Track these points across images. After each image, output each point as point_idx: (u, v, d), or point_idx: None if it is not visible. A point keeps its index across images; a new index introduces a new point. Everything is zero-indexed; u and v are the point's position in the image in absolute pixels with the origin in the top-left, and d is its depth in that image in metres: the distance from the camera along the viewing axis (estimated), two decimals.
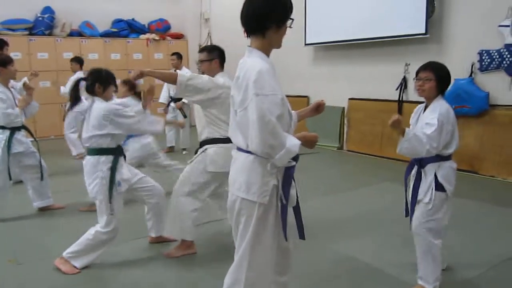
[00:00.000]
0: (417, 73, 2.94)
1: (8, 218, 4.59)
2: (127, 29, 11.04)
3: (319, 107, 2.58)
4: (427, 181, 2.89)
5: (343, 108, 7.96)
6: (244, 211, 2.16)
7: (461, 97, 6.02)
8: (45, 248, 3.85)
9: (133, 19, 11.19)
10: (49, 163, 5.08)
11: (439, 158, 2.87)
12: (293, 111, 2.37)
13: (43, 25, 9.85)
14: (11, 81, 4.80)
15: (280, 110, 2.01)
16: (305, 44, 8.47)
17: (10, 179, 4.54)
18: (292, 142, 2.04)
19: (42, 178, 4.71)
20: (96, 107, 3.34)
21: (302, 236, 2.34)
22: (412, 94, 6.78)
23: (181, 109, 7.71)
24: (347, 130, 8.03)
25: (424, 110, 2.96)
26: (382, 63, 7.36)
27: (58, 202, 4.96)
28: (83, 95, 3.63)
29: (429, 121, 2.80)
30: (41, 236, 4.17)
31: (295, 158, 2.13)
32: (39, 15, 9.92)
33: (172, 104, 7.87)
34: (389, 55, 7.22)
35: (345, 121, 8.03)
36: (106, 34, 10.69)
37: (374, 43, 7.37)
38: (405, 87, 6.89)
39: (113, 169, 3.32)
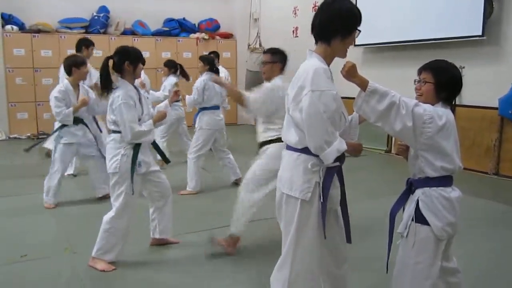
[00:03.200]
0: (418, 73, 2.38)
1: (66, 206, 4.86)
2: (178, 28, 11.25)
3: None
4: (409, 210, 2.31)
5: None
6: (288, 207, 2.24)
7: None
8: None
9: (184, 19, 11.38)
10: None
11: (428, 182, 2.24)
12: (355, 113, 2.45)
13: (99, 24, 10.18)
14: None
15: (335, 105, 2.10)
16: (355, 45, 8.33)
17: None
18: (341, 142, 2.12)
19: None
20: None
21: (348, 240, 2.36)
22: (466, 98, 6.53)
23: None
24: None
25: None
26: None
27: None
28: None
29: None
30: (97, 226, 4.30)
31: (340, 160, 2.18)
32: (95, 14, 10.27)
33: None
34: (443, 57, 6.92)
35: None
36: (157, 33, 10.94)
37: (426, 45, 7.14)
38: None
39: (136, 149, 3.34)
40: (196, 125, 5.45)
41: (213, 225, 4.23)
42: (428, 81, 2.28)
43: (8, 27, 9.36)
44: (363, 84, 2.18)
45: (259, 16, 11.40)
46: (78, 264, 3.48)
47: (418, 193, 2.27)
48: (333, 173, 2.20)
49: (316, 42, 2.27)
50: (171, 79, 6.78)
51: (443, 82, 2.27)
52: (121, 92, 3.31)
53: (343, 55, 2.27)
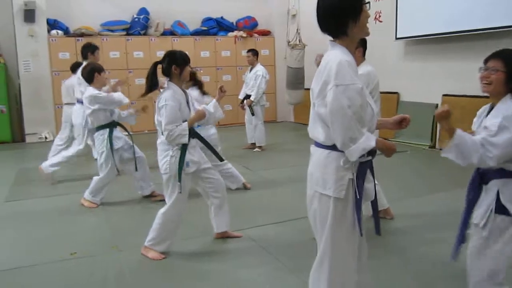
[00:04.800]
0: (485, 61, 2.34)
1: (112, 205, 5.00)
2: (216, 27, 11.33)
3: (404, 122, 2.35)
4: (487, 201, 2.30)
5: (436, 105, 7.55)
6: (321, 205, 2.18)
7: None
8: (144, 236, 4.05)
9: (221, 17, 11.45)
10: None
11: (505, 173, 2.24)
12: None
13: (139, 26, 10.38)
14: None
15: (361, 99, 2.01)
16: (396, 38, 8.15)
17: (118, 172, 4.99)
18: (368, 139, 2.03)
19: (136, 169, 5.06)
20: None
21: (378, 231, 2.31)
22: None
23: (250, 106, 7.76)
24: (440, 128, 7.62)
25: (489, 112, 2.35)
26: (480, 57, 6.85)
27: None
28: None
29: (488, 125, 2.22)
30: (141, 224, 4.40)
31: (371, 154, 2.13)
32: (135, 16, 10.47)
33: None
34: (487, 48, 6.63)
35: None
36: (196, 33, 11.04)
37: (471, 36, 6.89)
38: None
39: (183, 149, 3.49)
40: None
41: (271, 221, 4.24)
42: (500, 69, 2.23)
43: (54, 32, 9.69)
44: (449, 132, 2.18)
45: (297, 12, 11.32)
46: (125, 262, 3.56)
47: (497, 184, 2.26)
48: (366, 168, 2.15)
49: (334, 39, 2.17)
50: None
51: None
52: (167, 93, 3.46)
53: (366, 33, 2.15)
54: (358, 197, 2.11)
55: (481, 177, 2.34)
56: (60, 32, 9.77)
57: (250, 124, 8.03)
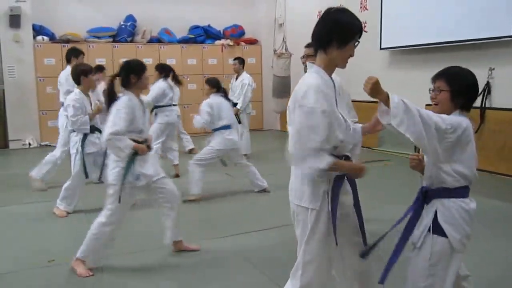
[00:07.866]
0: (432, 82, 2.36)
1: (91, 213, 4.86)
2: (203, 35, 11.36)
3: (378, 124, 2.38)
4: (425, 220, 2.23)
5: None
6: (300, 217, 2.30)
7: None
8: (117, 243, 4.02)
9: (209, 26, 11.48)
10: None
11: (445, 192, 2.19)
12: (359, 125, 2.47)
13: (126, 33, 10.37)
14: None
15: (317, 121, 2.10)
16: (381, 48, 8.25)
17: (87, 177, 4.78)
18: (319, 161, 2.11)
19: (100, 178, 4.80)
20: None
21: (364, 242, 2.37)
22: (496, 100, 6.37)
23: (236, 114, 7.78)
24: None
25: None
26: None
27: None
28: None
29: None
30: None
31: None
32: (122, 23, 10.46)
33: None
34: (472, 59, 6.84)
35: None
36: (183, 40, 11.06)
37: (455, 47, 7.01)
38: (489, 93, 6.49)
39: (132, 161, 3.36)
40: (208, 141, 5.48)
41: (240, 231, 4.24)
42: (443, 89, 2.24)
43: (39, 37, 9.63)
44: (387, 100, 2.14)
45: (284, 21, 11.41)
46: (104, 269, 3.51)
47: (436, 203, 2.21)
48: (341, 181, 2.25)
49: (315, 52, 2.30)
50: (161, 84, 6.58)
51: (458, 89, 2.21)
52: (122, 100, 3.39)
53: (343, 65, 2.26)
54: (330, 209, 2.20)
55: (424, 196, 2.29)
56: (45, 38, 9.71)
57: None
